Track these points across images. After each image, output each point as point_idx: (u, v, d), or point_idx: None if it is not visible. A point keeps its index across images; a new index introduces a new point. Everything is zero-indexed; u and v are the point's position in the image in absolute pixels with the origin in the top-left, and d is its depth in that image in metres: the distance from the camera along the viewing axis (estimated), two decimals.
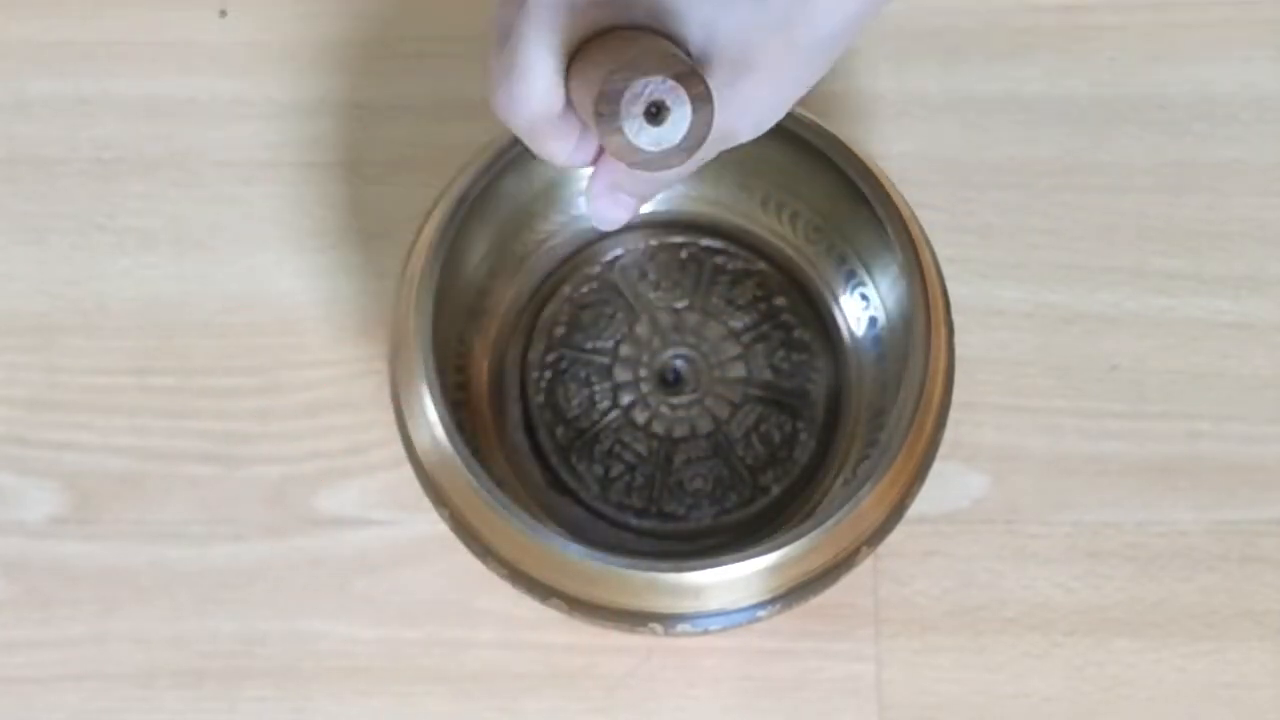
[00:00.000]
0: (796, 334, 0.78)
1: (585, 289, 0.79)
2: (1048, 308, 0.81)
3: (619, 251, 0.79)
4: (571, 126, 0.58)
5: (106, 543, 0.78)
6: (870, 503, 0.69)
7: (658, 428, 0.77)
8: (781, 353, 0.78)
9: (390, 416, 0.72)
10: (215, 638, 0.77)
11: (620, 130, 0.51)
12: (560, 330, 0.78)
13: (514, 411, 0.78)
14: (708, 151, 0.58)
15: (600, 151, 0.60)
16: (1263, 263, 0.81)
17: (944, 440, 0.72)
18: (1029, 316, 0.81)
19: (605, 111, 0.51)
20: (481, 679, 0.77)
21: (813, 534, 0.68)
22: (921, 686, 0.77)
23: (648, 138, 0.52)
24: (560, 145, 0.59)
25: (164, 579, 0.78)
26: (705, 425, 0.77)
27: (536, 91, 0.56)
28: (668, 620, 0.69)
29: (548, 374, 0.78)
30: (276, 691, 0.77)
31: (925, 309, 0.70)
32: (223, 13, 0.85)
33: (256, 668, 0.77)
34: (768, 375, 0.78)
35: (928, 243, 0.72)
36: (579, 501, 0.77)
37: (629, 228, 0.79)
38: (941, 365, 0.71)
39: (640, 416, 0.77)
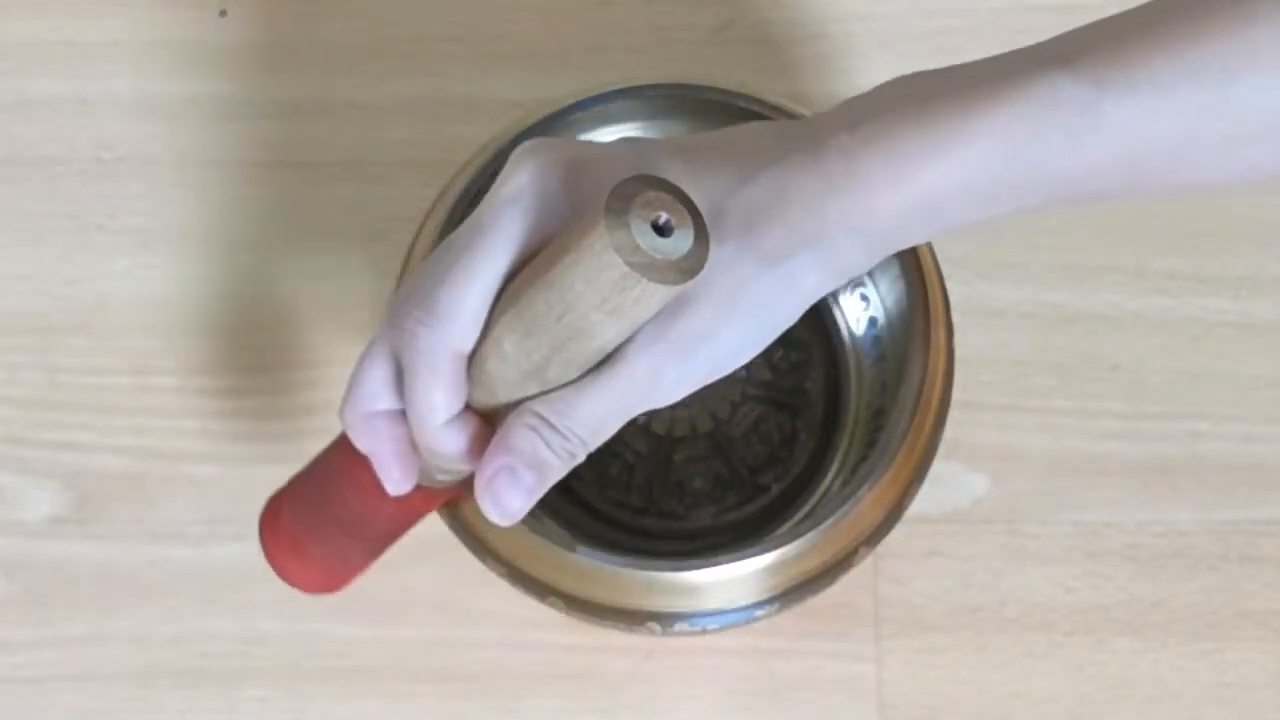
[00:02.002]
0: (796, 333, 0.78)
1: None
2: (1048, 308, 0.81)
3: None
4: (462, 384, 0.56)
5: (106, 543, 0.78)
6: (869, 503, 0.69)
7: (657, 427, 0.77)
8: (781, 352, 0.78)
9: None
10: (215, 638, 0.77)
11: (628, 226, 0.51)
12: None
13: None
14: (632, 403, 0.56)
15: (473, 448, 0.57)
16: (1263, 263, 0.81)
17: (944, 440, 0.72)
18: (1029, 316, 0.81)
19: (615, 207, 0.51)
20: (481, 679, 0.77)
21: (811, 534, 0.68)
22: (921, 686, 0.77)
23: (651, 242, 0.51)
24: (446, 397, 0.56)
25: (164, 579, 0.78)
26: (705, 424, 0.77)
27: (467, 306, 0.55)
28: (666, 619, 0.69)
29: None
30: (276, 691, 0.77)
31: (925, 309, 0.70)
32: (223, 13, 0.85)
33: (256, 668, 0.77)
34: (767, 375, 0.78)
35: (928, 243, 0.72)
36: (578, 500, 0.77)
37: None
38: (941, 365, 0.71)
39: (640, 415, 0.77)
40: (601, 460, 0.77)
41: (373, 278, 0.81)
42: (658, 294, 0.51)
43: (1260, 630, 0.77)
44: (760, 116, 0.73)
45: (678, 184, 0.52)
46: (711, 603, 0.68)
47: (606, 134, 0.75)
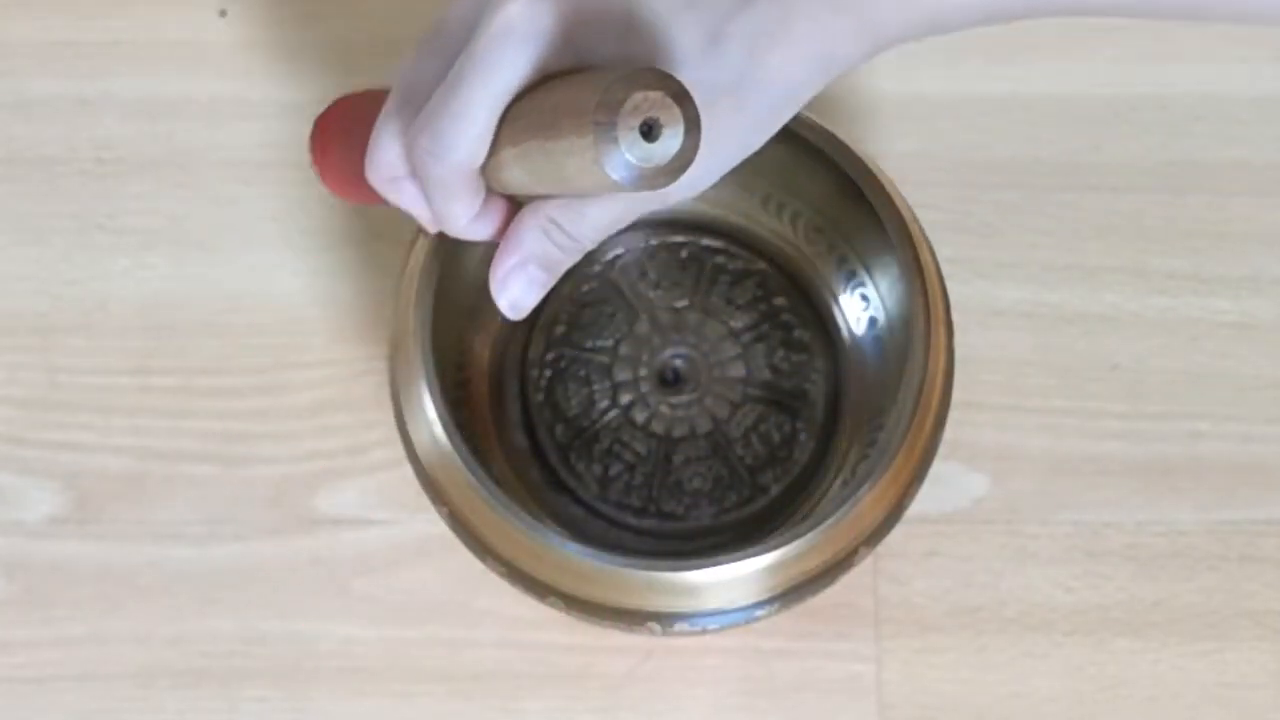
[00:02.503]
0: (796, 334, 0.78)
1: (585, 288, 0.79)
2: (1048, 308, 0.81)
3: (619, 250, 0.79)
4: (480, 188, 0.58)
5: (106, 543, 0.78)
6: (869, 503, 0.69)
7: (657, 427, 0.77)
8: (781, 352, 0.78)
9: (390, 417, 0.72)
10: (215, 638, 0.77)
11: (615, 141, 0.51)
12: (560, 329, 0.78)
13: (513, 410, 0.78)
14: (639, 207, 0.57)
15: (500, 228, 0.59)
16: (1263, 263, 0.81)
17: (944, 440, 0.72)
18: (1029, 316, 0.81)
19: (603, 120, 0.51)
20: (481, 679, 0.77)
21: (811, 534, 0.68)
22: (921, 686, 0.77)
23: (640, 152, 0.51)
24: (466, 206, 0.58)
25: (164, 579, 0.78)
26: (704, 425, 0.77)
27: (472, 134, 0.56)
28: (665, 619, 0.69)
29: (547, 373, 0.78)
30: (276, 691, 0.77)
31: (925, 309, 0.70)
32: (223, 13, 0.85)
33: (256, 668, 0.77)
34: (767, 375, 0.78)
35: (928, 243, 0.72)
36: (578, 500, 0.77)
37: (630, 227, 0.79)
38: (941, 365, 0.71)
39: (639, 415, 0.77)
40: (601, 461, 0.77)
41: (373, 278, 0.81)
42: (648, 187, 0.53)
43: (1260, 630, 0.77)
44: None
45: (674, 14, 0.53)
46: (711, 603, 0.68)
47: None
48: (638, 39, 0.55)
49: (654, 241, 0.79)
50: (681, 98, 0.52)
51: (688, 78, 0.54)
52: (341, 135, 0.65)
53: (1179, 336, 0.80)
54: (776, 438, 0.77)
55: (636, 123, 0.51)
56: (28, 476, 0.79)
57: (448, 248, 0.71)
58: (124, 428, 0.80)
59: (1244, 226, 0.82)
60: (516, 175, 0.57)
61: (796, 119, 0.72)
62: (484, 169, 0.58)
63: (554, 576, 0.69)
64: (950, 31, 0.56)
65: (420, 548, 0.78)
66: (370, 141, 0.60)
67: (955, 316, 0.73)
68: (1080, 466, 0.79)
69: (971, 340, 0.78)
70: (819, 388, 0.78)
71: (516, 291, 0.60)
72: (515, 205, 0.60)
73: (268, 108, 0.83)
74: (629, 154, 0.51)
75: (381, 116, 0.60)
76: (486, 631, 0.77)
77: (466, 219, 0.59)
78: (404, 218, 0.77)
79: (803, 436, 0.77)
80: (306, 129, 0.83)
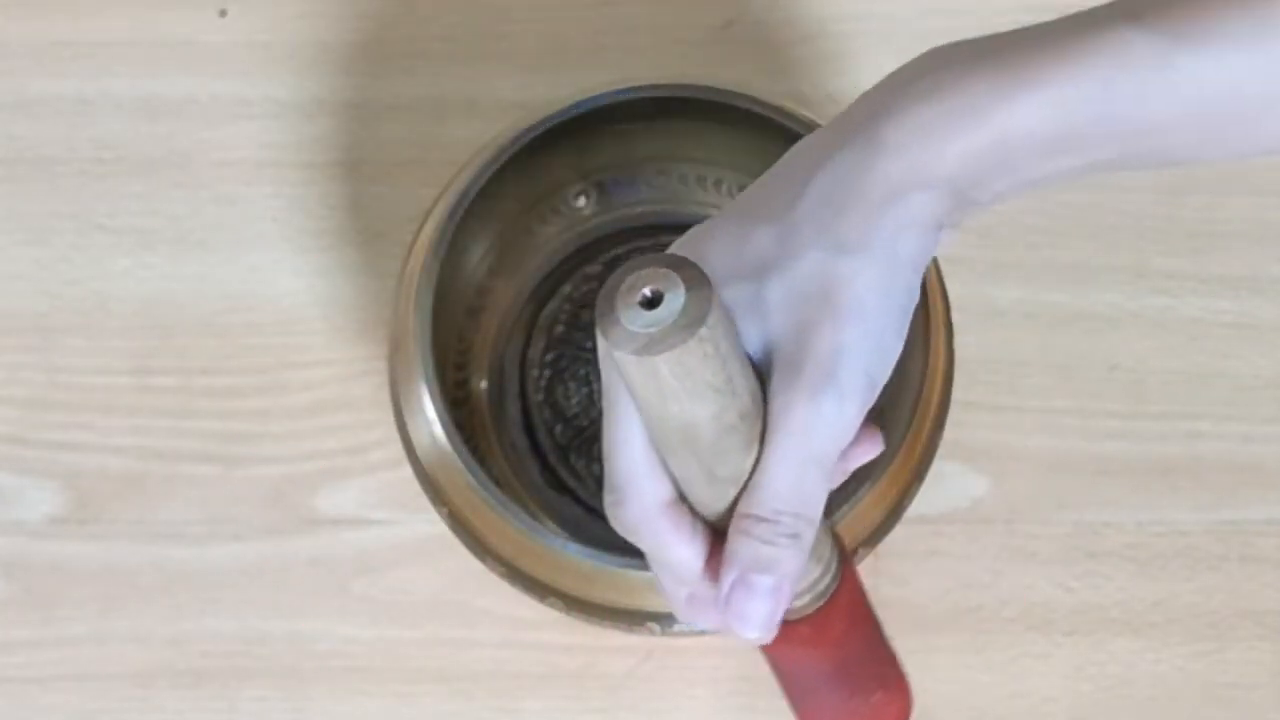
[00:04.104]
0: None
1: (585, 288, 0.79)
2: (1048, 308, 0.81)
3: (620, 251, 0.79)
4: (690, 524, 0.55)
5: (106, 543, 0.78)
6: (868, 503, 0.69)
7: None
8: None
9: (390, 417, 0.72)
10: (215, 638, 0.77)
11: (618, 322, 0.51)
12: (560, 329, 0.78)
13: (513, 410, 0.78)
14: (810, 453, 0.54)
15: (712, 550, 0.56)
16: (1263, 263, 0.81)
17: (944, 440, 0.72)
18: (1029, 316, 0.81)
19: (603, 311, 0.51)
20: (481, 679, 0.77)
21: None
22: (921, 686, 0.76)
23: (643, 321, 0.51)
24: (684, 547, 0.55)
25: (164, 579, 0.78)
26: None
27: (639, 475, 0.54)
28: (664, 619, 0.69)
29: (547, 372, 0.78)
30: (276, 691, 0.77)
31: (925, 309, 0.70)
32: (223, 13, 0.85)
33: (256, 668, 0.77)
34: None
35: None
36: (577, 500, 0.77)
37: (630, 228, 0.79)
38: (940, 366, 0.71)
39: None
40: (601, 460, 0.76)
41: (373, 278, 0.81)
42: (684, 357, 0.51)
43: (1260, 630, 0.77)
44: (760, 117, 0.73)
45: (734, 239, 0.52)
46: None
47: (606, 134, 0.75)
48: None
49: (654, 243, 0.79)
50: (677, 264, 0.51)
51: (779, 287, 0.53)
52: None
53: (1179, 336, 0.80)
54: None
55: (635, 299, 0.51)
56: (28, 476, 0.79)
57: (448, 247, 0.71)
58: (124, 428, 0.80)
59: (1244, 226, 0.82)
60: (680, 473, 0.55)
61: (799, 121, 0.72)
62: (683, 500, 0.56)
63: (553, 577, 0.69)
64: (1018, 176, 0.54)
65: (420, 548, 0.78)
66: (660, 587, 0.58)
67: (955, 316, 0.73)
68: (1080, 466, 0.79)
69: (971, 340, 0.78)
70: None
71: (746, 608, 0.55)
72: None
73: (268, 108, 0.83)
74: (632, 325, 0.50)
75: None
76: (486, 631, 0.77)
77: (698, 561, 0.55)
78: (404, 218, 0.77)
79: None
80: (306, 129, 0.84)
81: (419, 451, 0.70)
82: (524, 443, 0.77)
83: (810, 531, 0.55)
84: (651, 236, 0.79)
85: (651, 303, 0.51)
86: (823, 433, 0.53)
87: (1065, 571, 0.78)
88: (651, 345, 0.50)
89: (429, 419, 0.69)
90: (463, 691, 0.77)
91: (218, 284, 0.81)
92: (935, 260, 0.72)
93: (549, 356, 0.78)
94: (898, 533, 0.71)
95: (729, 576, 0.54)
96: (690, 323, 0.50)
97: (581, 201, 0.78)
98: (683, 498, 0.55)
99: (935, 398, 0.71)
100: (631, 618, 0.69)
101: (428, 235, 0.71)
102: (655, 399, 0.52)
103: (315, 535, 0.78)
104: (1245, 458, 0.79)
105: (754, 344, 0.54)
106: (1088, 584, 0.77)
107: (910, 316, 0.55)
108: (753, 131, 0.73)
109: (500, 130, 0.73)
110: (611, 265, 0.79)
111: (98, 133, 0.83)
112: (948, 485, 0.78)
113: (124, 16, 0.85)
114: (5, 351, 0.81)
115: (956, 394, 0.72)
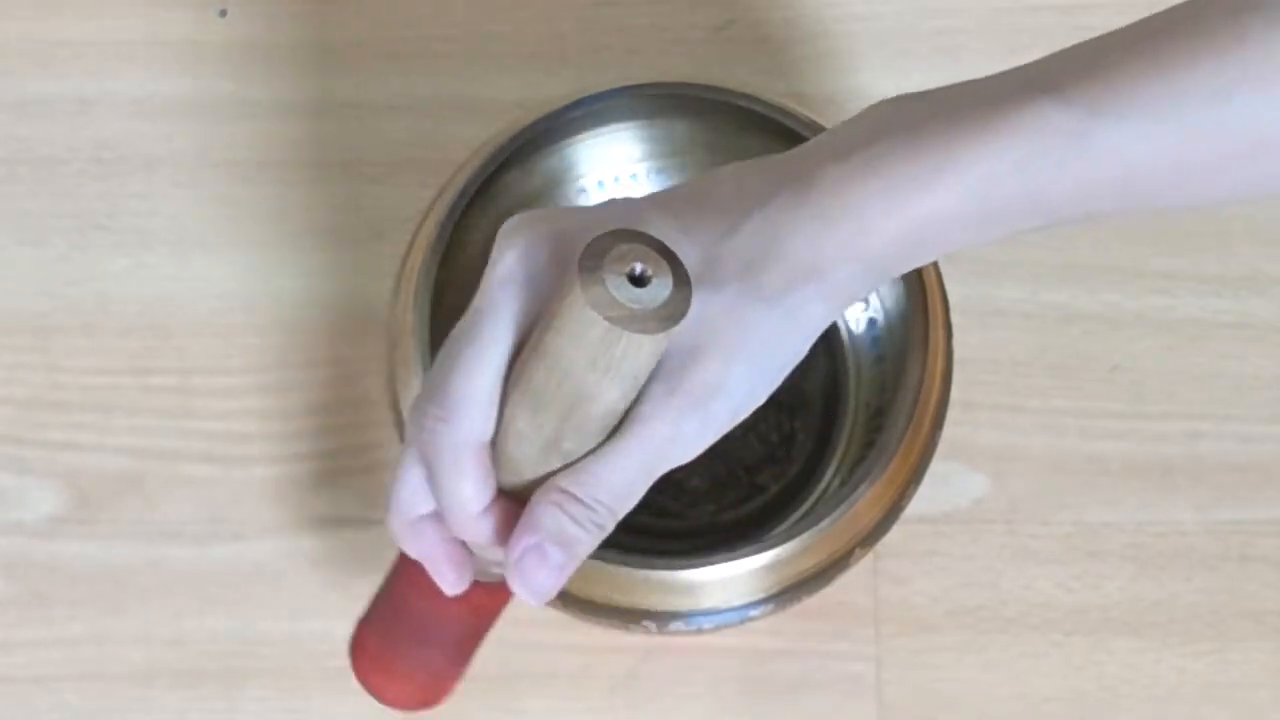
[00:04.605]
0: None
1: None
2: (1048, 308, 0.81)
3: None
4: (489, 472, 0.56)
5: (106, 543, 0.78)
6: (866, 504, 0.69)
7: None
8: None
9: (390, 417, 0.72)
10: (215, 638, 0.77)
11: (602, 282, 0.50)
12: None
13: None
14: (656, 462, 0.55)
15: (507, 532, 0.57)
16: (1263, 263, 0.81)
17: (944, 440, 0.72)
18: (1029, 316, 0.81)
19: (589, 265, 0.51)
20: (481, 679, 0.77)
21: (807, 534, 0.68)
22: (921, 686, 0.77)
23: (629, 294, 0.51)
24: (476, 488, 0.56)
25: (164, 579, 0.78)
26: None
27: (477, 403, 0.55)
28: (661, 618, 0.69)
29: None
30: (276, 691, 0.77)
31: (924, 311, 0.70)
32: (223, 13, 0.85)
33: (256, 668, 0.77)
34: None
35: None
36: None
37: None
38: (939, 367, 0.71)
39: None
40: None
41: (373, 278, 0.81)
42: (645, 345, 0.51)
43: (1260, 630, 0.77)
44: (760, 116, 0.73)
45: (665, 239, 0.52)
46: (707, 602, 0.68)
47: (606, 134, 0.75)
48: None
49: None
50: (668, 254, 0.51)
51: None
52: (381, 640, 0.65)
53: (1179, 336, 0.80)
54: (775, 437, 0.77)
55: (623, 269, 0.51)
56: (28, 476, 0.79)
57: (447, 245, 0.71)
58: (124, 428, 0.80)
59: (1244, 226, 0.82)
60: (521, 429, 0.55)
61: (799, 120, 0.72)
62: (493, 447, 0.56)
63: None
64: (943, 249, 0.55)
65: None
66: (392, 478, 0.59)
67: (955, 317, 0.73)
68: (1080, 466, 0.79)
69: (971, 340, 0.78)
70: (818, 388, 0.78)
71: (533, 575, 0.56)
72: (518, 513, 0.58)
73: (268, 108, 0.83)
74: (617, 293, 0.51)
75: (404, 449, 0.58)
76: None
77: (477, 506, 0.56)
78: (404, 218, 0.77)
79: (801, 436, 0.77)
80: (306, 129, 0.83)
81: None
82: None
83: (610, 528, 0.56)
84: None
85: (638, 280, 0.51)
86: (672, 451, 0.55)
87: (1065, 571, 0.78)
88: (627, 320, 0.51)
89: None
90: (463, 691, 0.77)
91: (218, 284, 0.81)
92: (935, 262, 0.72)
93: None
94: (898, 532, 0.71)
95: (528, 539, 0.56)
96: (669, 316, 0.51)
97: (581, 201, 0.79)
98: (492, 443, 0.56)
99: (933, 399, 0.71)
100: (628, 616, 0.69)
101: (427, 234, 0.71)
102: (582, 362, 0.52)
103: (315, 535, 0.78)
104: (1245, 458, 0.79)
105: None
106: (1088, 584, 0.77)
107: (787, 373, 0.56)
108: (753, 131, 0.73)
109: (499, 130, 0.73)
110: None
111: (98, 133, 0.83)
112: (948, 485, 0.78)
113: (124, 16, 0.85)
114: (5, 351, 0.81)
115: (956, 394, 0.72)
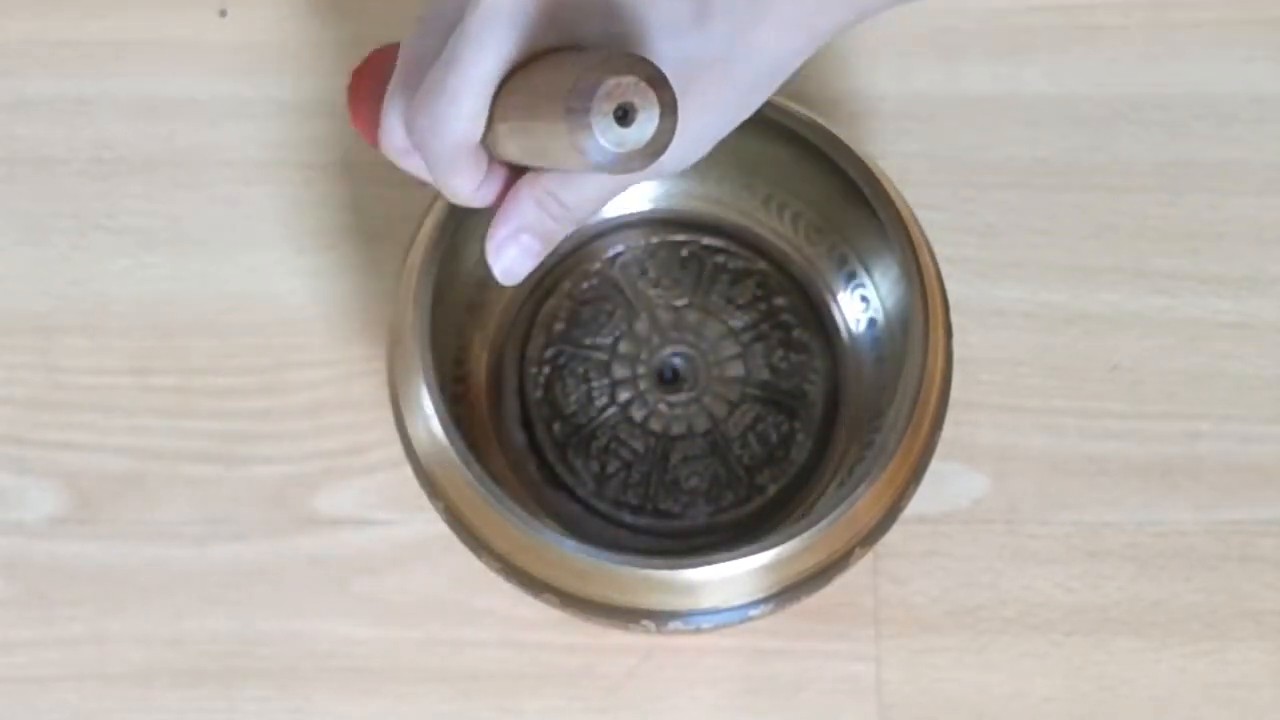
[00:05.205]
0: (795, 334, 0.78)
1: (585, 285, 0.79)
2: (1048, 308, 0.81)
3: (620, 248, 0.79)
4: (482, 160, 0.59)
5: (106, 543, 0.78)
6: (865, 504, 0.68)
7: (655, 425, 0.77)
8: (780, 352, 0.78)
9: (390, 417, 0.72)
10: (215, 638, 0.77)
11: (589, 126, 0.51)
12: (559, 326, 0.78)
13: (512, 406, 0.78)
14: (630, 180, 0.58)
15: (501, 195, 0.60)
16: (1263, 263, 0.81)
17: (943, 440, 0.72)
18: (1029, 316, 0.81)
19: (576, 107, 0.51)
20: (481, 679, 0.77)
21: (806, 534, 0.68)
22: (921, 686, 0.77)
23: (614, 137, 0.52)
24: (467, 180, 0.59)
25: (164, 579, 0.78)
26: (702, 423, 0.77)
27: (465, 114, 0.57)
28: (660, 617, 0.69)
29: (546, 370, 0.78)
30: (276, 691, 0.77)
31: (924, 311, 0.70)
32: (223, 13, 0.85)
33: (256, 668, 0.77)
34: (766, 375, 0.78)
35: (927, 244, 0.72)
36: (575, 497, 0.77)
37: (631, 225, 0.79)
38: (939, 368, 0.71)
39: (637, 413, 0.77)
40: (599, 458, 0.77)
41: (372, 277, 0.81)
42: (626, 174, 0.53)
43: (1260, 630, 0.77)
44: (760, 116, 0.72)
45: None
46: (706, 601, 0.68)
47: None
48: (623, 16, 0.56)
49: (654, 240, 0.79)
50: (656, 82, 0.52)
51: (673, 52, 0.55)
52: (375, 88, 0.65)
53: (1179, 336, 0.80)
54: (774, 437, 0.77)
55: (611, 108, 0.51)
56: (28, 476, 0.79)
57: (447, 244, 0.71)
58: (124, 428, 0.80)
59: (1244, 226, 0.82)
60: (512, 150, 0.57)
61: (798, 119, 0.72)
62: (485, 141, 0.58)
63: (549, 573, 0.69)
64: None
65: (420, 548, 0.78)
66: (381, 116, 0.62)
67: (955, 317, 0.73)
68: (1080, 466, 0.79)
69: (971, 340, 0.78)
70: (817, 388, 0.78)
71: (510, 259, 0.61)
72: (517, 173, 0.61)
73: (268, 108, 0.84)
74: (603, 139, 0.51)
75: (388, 93, 0.61)
76: (486, 631, 0.77)
77: (469, 190, 0.60)
78: (404, 218, 0.77)
79: (800, 437, 0.77)
80: (306, 129, 0.84)
81: (417, 446, 0.70)
82: (522, 439, 0.77)
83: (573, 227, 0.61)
84: (652, 232, 0.79)
85: (624, 117, 0.52)
86: (639, 174, 0.57)
87: (1065, 571, 0.78)
88: (611, 162, 0.52)
89: (427, 415, 0.69)
90: (463, 691, 0.77)
91: (218, 284, 0.81)
92: (935, 261, 0.72)
93: (548, 353, 0.78)
94: (898, 532, 0.71)
95: (510, 224, 0.60)
96: (652, 151, 0.52)
97: None
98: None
99: (932, 400, 0.71)
100: (626, 615, 0.69)
101: (427, 230, 0.71)
102: (567, 163, 0.54)
103: (315, 535, 0.78)
104: (1245, 458, 0.79)
105: None
106: (1088, 584, 0.77)
107: (756, 105, 0.59)
108: (753, 131, 0.73)
109: None
110: (611, 262, 0.79)
111: (98, 133, 0.83)
112: (948, 485, 0.78)
113: (124, 16, 0.85)
114: (5, 351, 0.81)
115: (956, 394, 0.72)
